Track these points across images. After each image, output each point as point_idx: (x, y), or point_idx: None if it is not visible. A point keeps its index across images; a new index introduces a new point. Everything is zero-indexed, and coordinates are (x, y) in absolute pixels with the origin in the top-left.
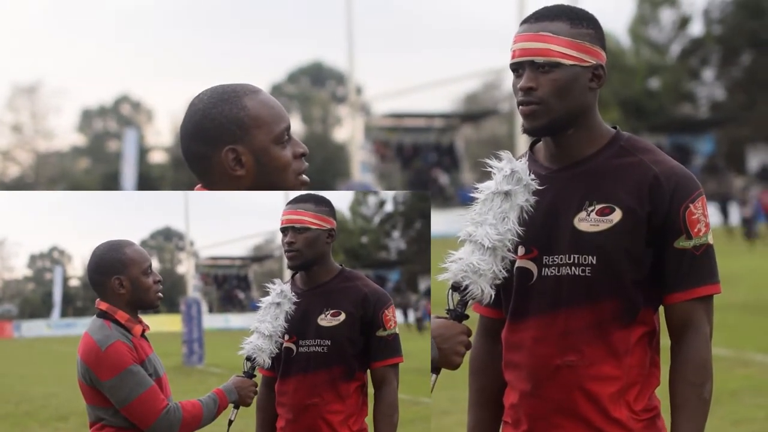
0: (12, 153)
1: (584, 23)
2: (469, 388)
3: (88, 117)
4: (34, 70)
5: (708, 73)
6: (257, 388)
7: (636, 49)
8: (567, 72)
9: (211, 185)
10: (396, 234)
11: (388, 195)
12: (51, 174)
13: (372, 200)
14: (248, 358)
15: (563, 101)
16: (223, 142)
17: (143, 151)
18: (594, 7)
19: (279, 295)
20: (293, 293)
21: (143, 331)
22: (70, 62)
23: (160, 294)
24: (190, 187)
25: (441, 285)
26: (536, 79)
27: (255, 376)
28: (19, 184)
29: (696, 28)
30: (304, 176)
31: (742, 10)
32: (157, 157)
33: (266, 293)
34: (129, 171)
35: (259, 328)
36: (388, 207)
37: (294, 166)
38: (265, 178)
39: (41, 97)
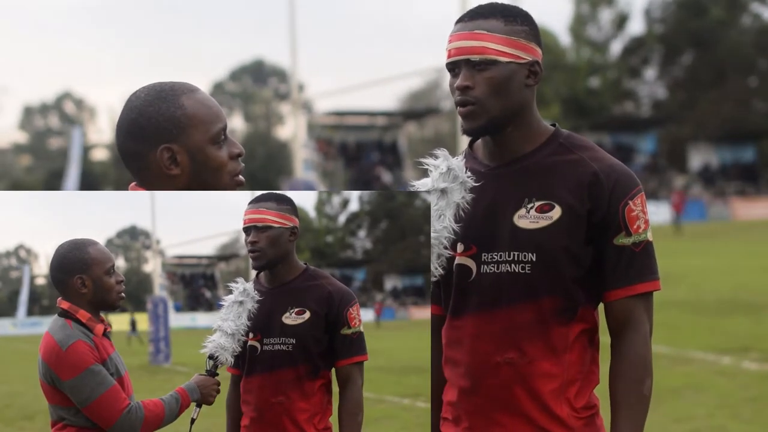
0: None
1: (518, 20)
2: (431, 385)
3: (29, 114)
4: None
5: (649, 72)
6: (219, 387)
7: (576, 48)
8: (503, 69)
9: (146, 183)
10: (362, 233)
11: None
12: None
13: (336, 200)
14: (211, 357)
15: (500, 99)
16: (159, 141)
17: (86, 149)
18: (535, 6)
19: (242, 294)
20: (257, 292)
21: (105, 330)
22: (10, 59)
23: (122, 294)
24: (129, 185)
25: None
26: (472, 78)
27: (218, 374)
28: None
29: (637, 27)
30: (240, 177)
31: (683, 10)
32: (99, 155)
33: (230, 292)
34: (74, 169)
35: (222, 326)
36: (354, 206)
37: (230, 166)
38: (200, 178)
39: None
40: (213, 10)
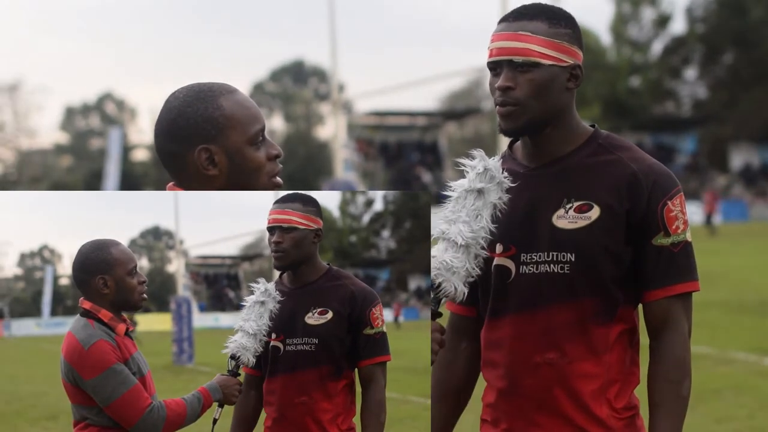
0: None
1: (563, 23)
2: (431, 381)
3: (71, 115)
4: (14, 69)
5: (690, 72)
6: (242, 387)
7: (617, 48)
8: (545, 72)
9: (183, 184)
10: (386, 233)
11: (379, 195)
12: (34, 172)
13: (360, 199)
14: (232, 357)
15: (541, 102)
16: (197, 142)
17: (126, 149)
18: (575, 4)
19: (263, 294)
20: (278, 292)
21: (127, 329)
22: (52, 60)
23: (144, 295)
24: (167, 186)
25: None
26: (514, 79)
27: (239, 374)
28: (1, 183)
29: (678, 27)
30: (277, 178)
31: (724, 9)
32: (140, 155)
33: (251, 292)
34: (113, 170)
35: (244, 326)
36: (378, 206)
37: (267, 167)
38: (238, 179)
39: (22, 95)
40: (253, 11)
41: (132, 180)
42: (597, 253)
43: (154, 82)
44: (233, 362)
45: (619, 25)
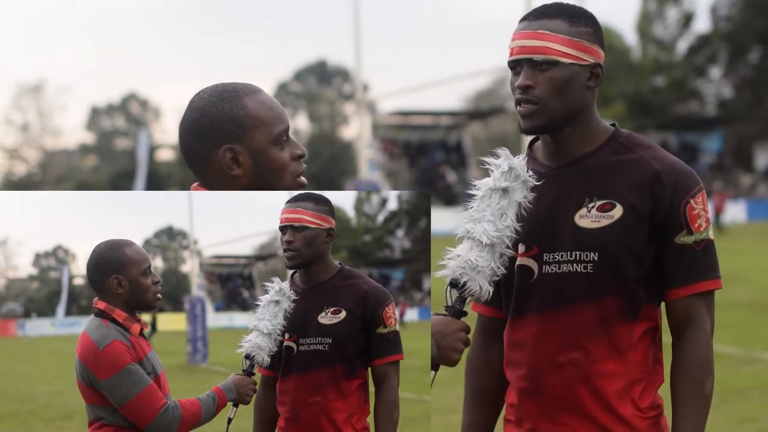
0: (19, 151)
1: (583, 21)
2: (465, 387)
3: (96, 115)
4: (37, 69)
5: (715, 71)
6: (256, 387)
7: (642, 47)
8: (565, 71)
9: (208, 184)
10: (400, 232)
11: (391, 194)
12: (58, 172)
13: (375, 199)
14: (247, 357)
15: (561, 100)
16: (222, 141)
17: (151, 150)
18: (601, 4)
19: (278, 294)
20: (292, 291)
21: (141, 329)
22: (76, 60)
23: (158, 295)
24: (191, 186)
25: (441, 283)
26: (534, 78)
27: (254, 374)
28: (26, 183)
29: (703, 25)
30: (302, 178)
31: (749, 8)
32: (165, 155)
33: (266, 291)
34: (142, 171)
35: (258, 326)
36: (392, 205)
37: (292, 167)
38: (262, 179)
39: (46, 95)
40: (277, 11)
41: (157, 180)
42: (620, 252)
43: (178, 82)
44: (248, 362)
45: (644, 24)
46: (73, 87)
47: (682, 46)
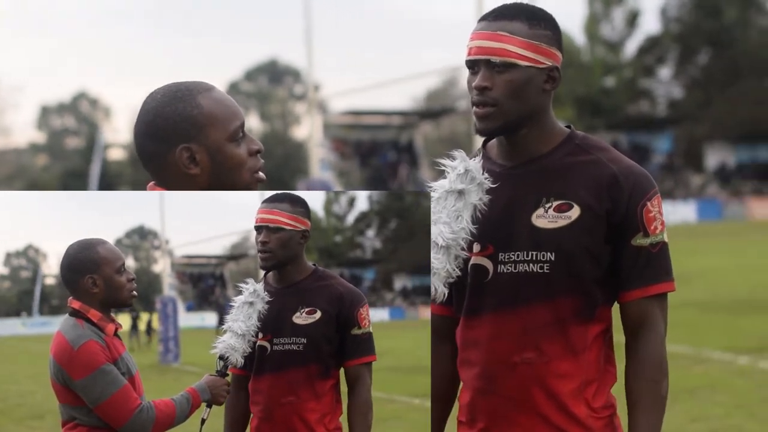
0: None
1: (542, 24)
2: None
3: (46, 114)
4: None
5: (665, 71)
6: (230, 387)
7: (591, 48)
8: (522, 73)
9: (165, 184)
10: (371, 233)
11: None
12: (9, 171)
13: (343, 199)
14: (221, 357)
15: (517, 103)
16: (177, 141)
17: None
18: (549, 4)
19: (252, 295)
20: (266, 293)
21: (116, 329)
22: (27, 59)
23: (134, 293)
24: (147, 185)
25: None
26: (491, 79)
27: (228, 375)
28: None
29: (652, 26)
30: (260, 174)
31: (698, 9)
32: (116, 155)
33: (239, 292)
34: (95, 170)
35: (232, 327)
36: (363, 206)
37: (249, 163)
38: (220, 177)
39: None
40: (228, 10)
41: (108, 179)
42: (577, 253)
43: (129, 81)
44: (221, 362)
45: (592, 25)
46: (24, 86)
47: (631, 46)
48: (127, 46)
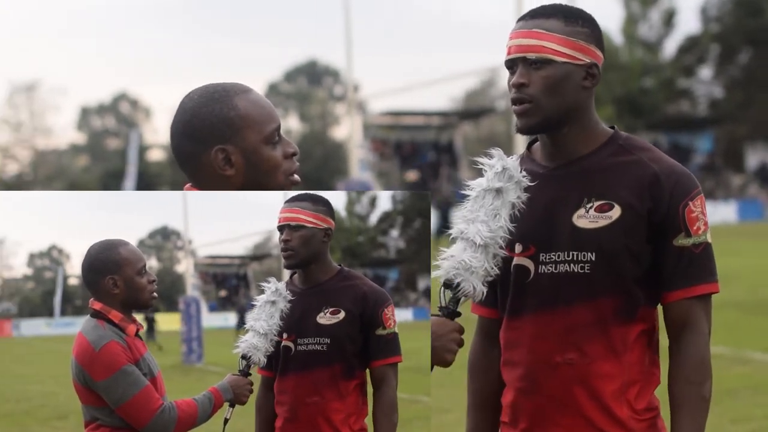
0: (11, 150)
1: (580, 21)
2: (468, 389)
3: (86, 115)
4: (33, 69)
5: (705, 71)
6: (252, 387)
7: (629, 48)
8: (559, 69)
9: (200, 184)
10: (395, 233)
11: (387, 194)
12: (49, 172)
13: (367, 199)
14: (243, 357)
15: (555, 98)
16: (213, 142)
17: (141, 150)
18: (587, 6)
19: (274, 294)
20: (289, 292)
21: (137, 330)
22: (68, 60)
23: (154, 294)
24: (185, 186)
25: (438, 283)
26: (528, 76)
27: (250, 374)
28: (17, 182)
29: (692, 26)
30: (295, 176)
31: (739, 8)
32: (156, 155)
33: (262, 292)
34: (132, 171)
35: (255, 326)
36: (386, 206)
37: (284, 166)
38: (255, 178)
39: (40, 94)
40: (267, 11)
41: (147, 180)
42: (618, 253)
43: (169, 82)
44: (244, 362)
45: (629, 26)
46: (66, 87)
47: (670, 46)
48: (167, 47)
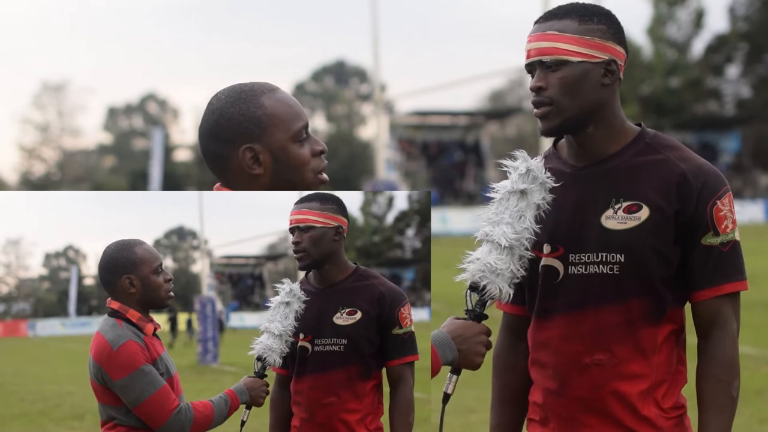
0: (38, 151)
1: (595, 19)
2: (492, 385)
3: (113, 115)
4: (62, 69)
5: (733, 70)
6: (269, 388)
7: (656, 49)
8: (575, 69)
9: (229, 184)
10: (411, 232)
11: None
12: (77, 172)
13: (382, 199)
14: (259, 358)
15: (574, 99)
16: (241, 141)
17: (169, 150)
18: (613, 6)
19: (288, 295)
20: (304, 292)
21: (155, 329)
22: (97, 61)
23: (171, 293)
24: (214, 186)
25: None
26: (545, 79)
27: (266, 376)
28: (44, 182)
29: (719, 25)
30: (323, 174)
31: (767, 7)
32: (182, 155)
33: (276, 293)
34: (156, 170)
35: (269, 327)
36: (402, 205)
37: (313, 164)
38: (283, 177)
39: (68, 95)
40: (294, 11)
41: (174, 180)
42: (646, 254)
43: (197, 82)
44: (259, 364)
45: (657, 27)
46: (95, 88)
47: (698, 46)
48: (195, 47)
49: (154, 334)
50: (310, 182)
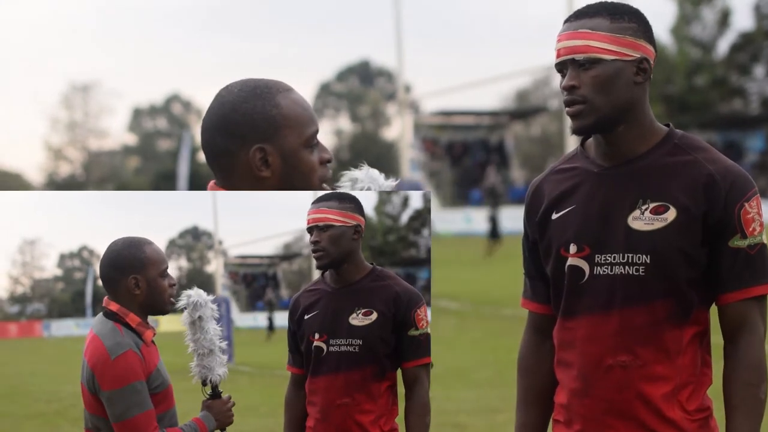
0: (64, 151)
1: (626, 17)
2: (517, 386)
3: (138, 116)
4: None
5: (759, 69)
6: (232, 403)
7: (680, 48)
8: (608, 67)
9: (230, 183)
10: (426, 232)
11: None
12: (102, 173)
13: (396, 199)
14: (203, 383)
15: (607, 97)
16: (253, 140)
17: (194, 151)
18: (638, 5)
19: (194, 309)
20: (312, 291)
21: (152, 336)
22: (122, 62)
23: (173, 299)
24: (208, 185)
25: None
26: (578, 77)
27: (220, 393)
28: (70, 183)
29: (745, 23)
30: (326, 185)
31: None
32: None
33: (184, 313)
34: (183, 170)
35: (196, 349)
36: (417, 204)
37: (320, 172)
38: (289, 181)
39: (95, 96)
40: (319, 11)
41: (199, 181)
42: (673, 256)
43: (221, 83)
44: (207, 387)
45: (681, 26)
46: (122, 89)
47: (723, 44)
48: (220, 48)
49: (152, 341)
50: (316, 190)
